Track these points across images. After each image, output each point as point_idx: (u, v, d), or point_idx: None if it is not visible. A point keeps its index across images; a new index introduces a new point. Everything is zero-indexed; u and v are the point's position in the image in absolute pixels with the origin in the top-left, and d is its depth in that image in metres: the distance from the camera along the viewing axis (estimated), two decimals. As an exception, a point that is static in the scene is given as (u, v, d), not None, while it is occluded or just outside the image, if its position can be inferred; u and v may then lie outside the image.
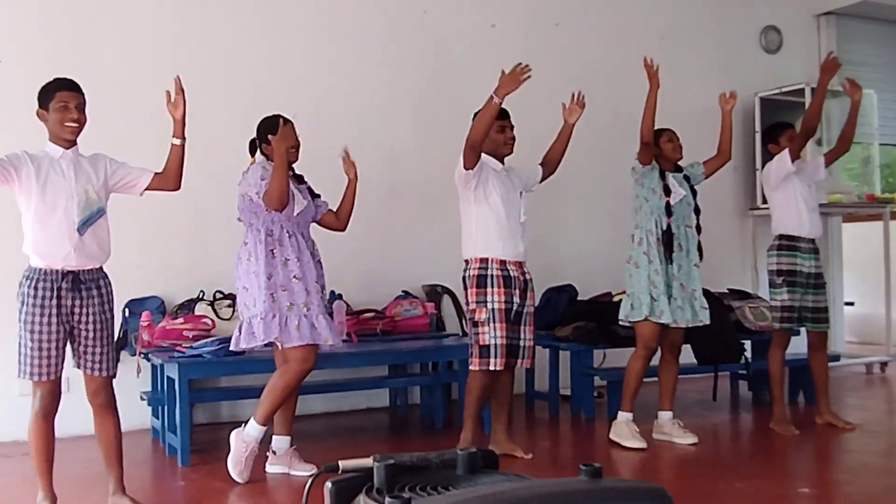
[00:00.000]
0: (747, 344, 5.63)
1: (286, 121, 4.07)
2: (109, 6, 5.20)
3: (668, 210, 4.57)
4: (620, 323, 4.70)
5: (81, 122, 3.37)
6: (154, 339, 4.65)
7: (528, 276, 4.33)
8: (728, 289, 6.06)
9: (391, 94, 5.91)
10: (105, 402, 3.42)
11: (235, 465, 3.93)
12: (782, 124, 5.05)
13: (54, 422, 3.35)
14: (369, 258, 5.75)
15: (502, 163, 4.38)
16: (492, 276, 4.20)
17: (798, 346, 5.45)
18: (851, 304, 7.79)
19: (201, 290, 5.14)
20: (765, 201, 7.01)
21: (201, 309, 5.01)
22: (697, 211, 4.70)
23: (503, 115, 4.30)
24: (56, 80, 3.39)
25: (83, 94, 3.40)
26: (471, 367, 4.24)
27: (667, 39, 6.87)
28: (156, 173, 3.54)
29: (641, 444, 4.48)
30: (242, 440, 3.94)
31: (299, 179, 4.19)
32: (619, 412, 4.62)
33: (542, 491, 1.49)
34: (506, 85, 4.03)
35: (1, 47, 4.94)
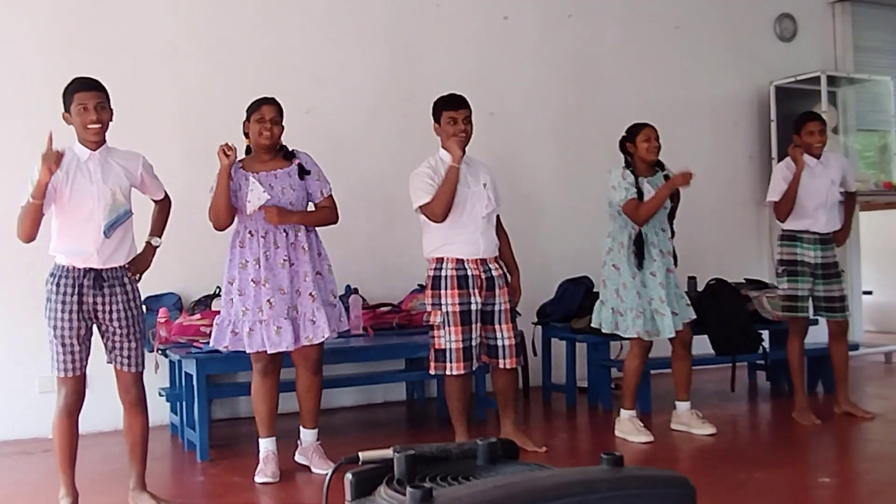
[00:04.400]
0: (765, 334, 5.61)
1: (258, 104, 3.89)
2: (122, 8, 5.23)
3: None
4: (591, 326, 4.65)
5: (104, 121, 3.32)
6: (171, 335, 4.67)
7: (494, 273, 4.13)
8: (745, 279, 6.02)
9: (405, 88, 5.90)
10: (136, 399, 3.44)
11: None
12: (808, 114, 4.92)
13: (78, 419, 3.37)
14: (385, 252, 5.75)
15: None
16: (446, 276, 4.07)
17: (818, 335, 5.42)
18: (869, 293, 7.74)
19: (217, 287, 5.12)
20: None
21: (218, 305, 4.99)
22: (672, 215, 4.57)
23: (457, 104, 4.13)
24: (74, 80, 3.34)
25: (104, 91, 3.33)
26: (430, 371, 4.16)
27: (681, 29, 6.84)
28: (156, 202, 3.62)
29: (648, 438, 4.44)
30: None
31: (287, 157, 3.94)
32: (622, 410, 4.58)
33: (564, 480, 1.48)
34: (454, 151, 4.01)
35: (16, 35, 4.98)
